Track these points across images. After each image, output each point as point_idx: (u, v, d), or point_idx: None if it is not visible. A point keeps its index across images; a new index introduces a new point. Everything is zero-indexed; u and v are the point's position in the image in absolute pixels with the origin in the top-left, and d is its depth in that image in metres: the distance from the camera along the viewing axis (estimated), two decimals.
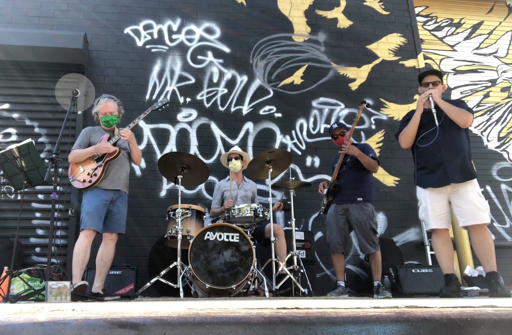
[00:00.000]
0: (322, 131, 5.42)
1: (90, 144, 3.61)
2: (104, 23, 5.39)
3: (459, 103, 3.28)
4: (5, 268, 3.45)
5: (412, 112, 3.40)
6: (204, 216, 3.95)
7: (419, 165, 3.27)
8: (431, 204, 3.17)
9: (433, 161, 3.19)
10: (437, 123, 3.12)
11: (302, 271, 3.84)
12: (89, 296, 3.14)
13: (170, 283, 3.44)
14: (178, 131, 5.15)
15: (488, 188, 5.60)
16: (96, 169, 3.51)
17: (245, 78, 5.48)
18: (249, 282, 3.54)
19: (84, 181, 3.48)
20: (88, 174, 3.50)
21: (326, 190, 4.14)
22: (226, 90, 5.40)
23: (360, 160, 3.98)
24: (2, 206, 4.65)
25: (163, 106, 3.87)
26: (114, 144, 3.59)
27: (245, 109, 5.37)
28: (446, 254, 3.18)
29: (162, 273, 3.47)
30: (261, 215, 3.74)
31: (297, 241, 4.07)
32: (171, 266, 3.48)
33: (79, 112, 4.95)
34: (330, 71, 5.69)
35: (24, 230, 4.48)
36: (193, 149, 5.12)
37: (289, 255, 3.86)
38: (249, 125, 5.31)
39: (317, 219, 5.03)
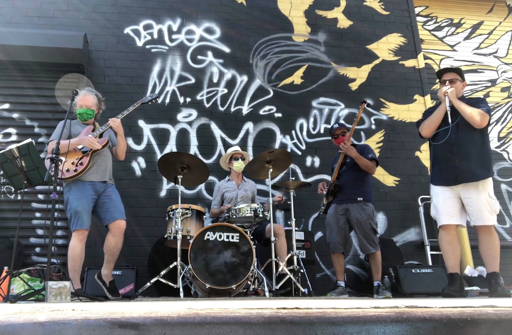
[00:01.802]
0: (322, 131, 5.42)
1: (71, 136, 3.43)
2: (104, 23, 5.39)
3: (478, 102, 3.22)
4: (5, 268, 3.44)
5: (435, 106, 3.38)
6: (204, 216, 3.94)
7: (433, 163, 3.28)
8: (442, 200, 3.17)
9: (445, 159, 3.18)
10: (450, 122, 3.09)
11: (302, 271, 3.84)
12: (89, 296, 3.13)
13: (170, 283, 3.43)
14: (178, 131, 5.15)
15: None
16: (82, 158, 3.34)
17: (245, 78, 5.48)
18: (249, 282, 3.54)
19: (68, 170, 3.28)
20: (73, 163, 3.30)
21: (325, 190, 4.15)
22: (226, 90, 5.39)
23: (357, 162, 3.99)
24: (2, 206, 4.65)
25: (153, 101, 3.85)
26: (100, 136, 3.47)
27: (245, 109, 5.37)
28: (452, 252, 3.16)
29: (162, 273, 3.46)
30: (261, 215, 3.74)
31: (297, 241, 4.07)
32: (171, 266, 3.47)
33: None
34: (330, 71, 5.69)
35: (24, 230, 4.48)
36: (193, 149, 5.11)
37: (289, 255, 3.86)
38: (249, 125, 5.31)
39: (317, 219, 5.02)
